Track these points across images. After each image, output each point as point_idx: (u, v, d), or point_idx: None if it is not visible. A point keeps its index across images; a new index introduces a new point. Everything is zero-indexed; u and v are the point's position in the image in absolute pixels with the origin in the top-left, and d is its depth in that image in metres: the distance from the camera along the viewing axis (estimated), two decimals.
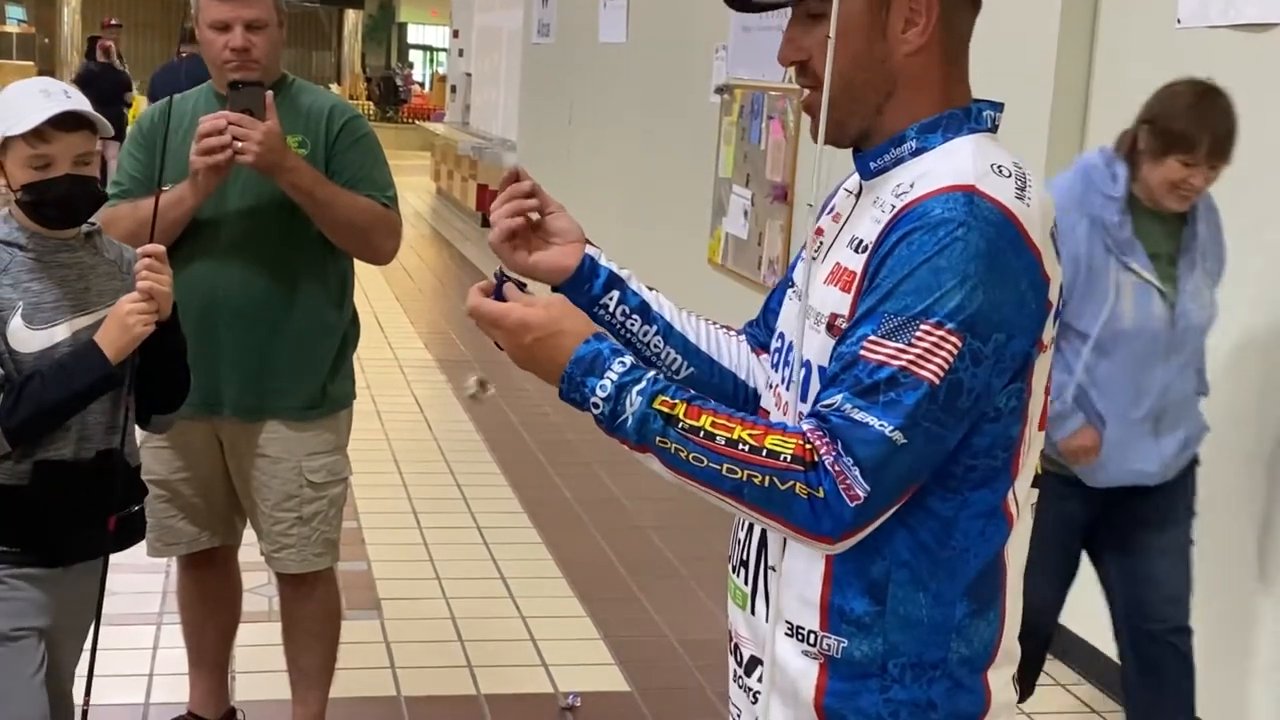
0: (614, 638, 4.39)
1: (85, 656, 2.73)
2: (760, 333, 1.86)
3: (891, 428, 1.44)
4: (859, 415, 1.45)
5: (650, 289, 1.83)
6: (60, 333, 2.54)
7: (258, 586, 4.16)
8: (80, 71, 14.82)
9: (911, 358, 1.44)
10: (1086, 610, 4.31)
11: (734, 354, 1.84)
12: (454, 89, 20.36)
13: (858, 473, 1.44)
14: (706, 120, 7.05)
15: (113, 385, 2.55)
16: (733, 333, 1.87)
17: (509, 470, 6.13)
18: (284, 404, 3.20)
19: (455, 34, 20.50)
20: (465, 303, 1.64)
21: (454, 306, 10.38)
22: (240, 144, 2.94)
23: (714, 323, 1.86)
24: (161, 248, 2.59)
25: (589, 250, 1.81)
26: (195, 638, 3.51)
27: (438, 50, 33.51)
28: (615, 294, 1.79)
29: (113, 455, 2.61)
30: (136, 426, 2.73)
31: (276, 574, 3.39)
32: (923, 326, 1.45)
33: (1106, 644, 4.19)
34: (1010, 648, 1.63)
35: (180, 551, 3.36)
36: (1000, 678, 1.62)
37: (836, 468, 1.44)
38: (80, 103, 2.52)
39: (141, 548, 3.27)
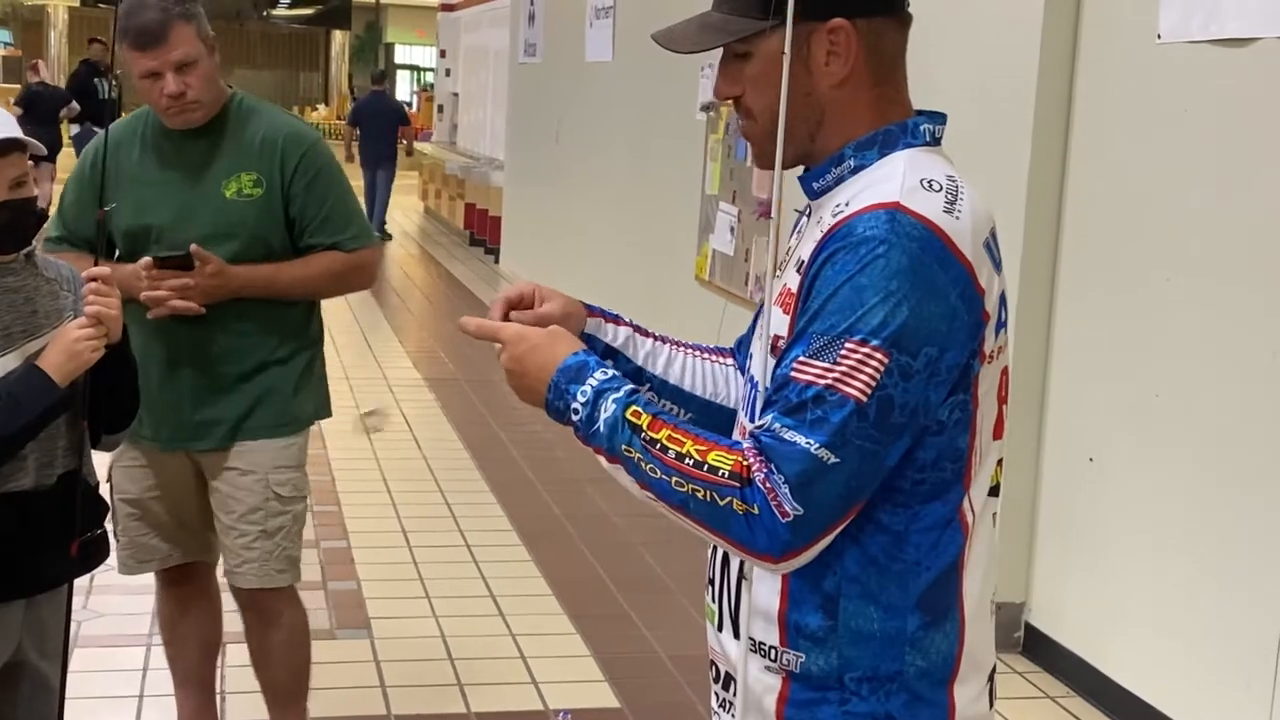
0: (604, 654, 4.39)
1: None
2: (745, 357, 1.88)
3: (818, 445, 1.46)
4: (787, 434, 1.48)
5: (653, 337, 1.85)
6: (12, 361, 2.47)
7: None
8: (23, 94, 14.77)
9: (836, 375, 1.47)
10: (1075, 622, 4.33)
11: (728, 389, 1.87)
12: (441, 108, 20.42)
13: (787, 490, 1.46)
14: (693, 137, 7.08)
15: (66, 409, 2.50)
16: (727, 361, 1.90)
17: (498, 488, 6.13)
18: (253, 424, 3.19)
19: (442, 54, 20.57)
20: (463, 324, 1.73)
21: (442, 325, 10.39)
22: (182, 304, 3.01)
23: (708, 356, 1.88)
24: (108, 270, 2.55)
25: (588, 327, 1.82)
26: (178, 657, 3.48)
27: (425, 70, 33.58)
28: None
29: (74, 477, 2.57)
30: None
31: (241, 604, 3.34)
32: (846, 345, 1.47)
33: (1095, 656, 4.21)
34: (977, 658, 1.64)
35: (154, 568, 3.33)
36: (966, 691, 1.62)
37: (767, 485, 1.47)
38: (7, 126, 2.45)
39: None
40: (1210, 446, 3.75)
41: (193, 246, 3.01)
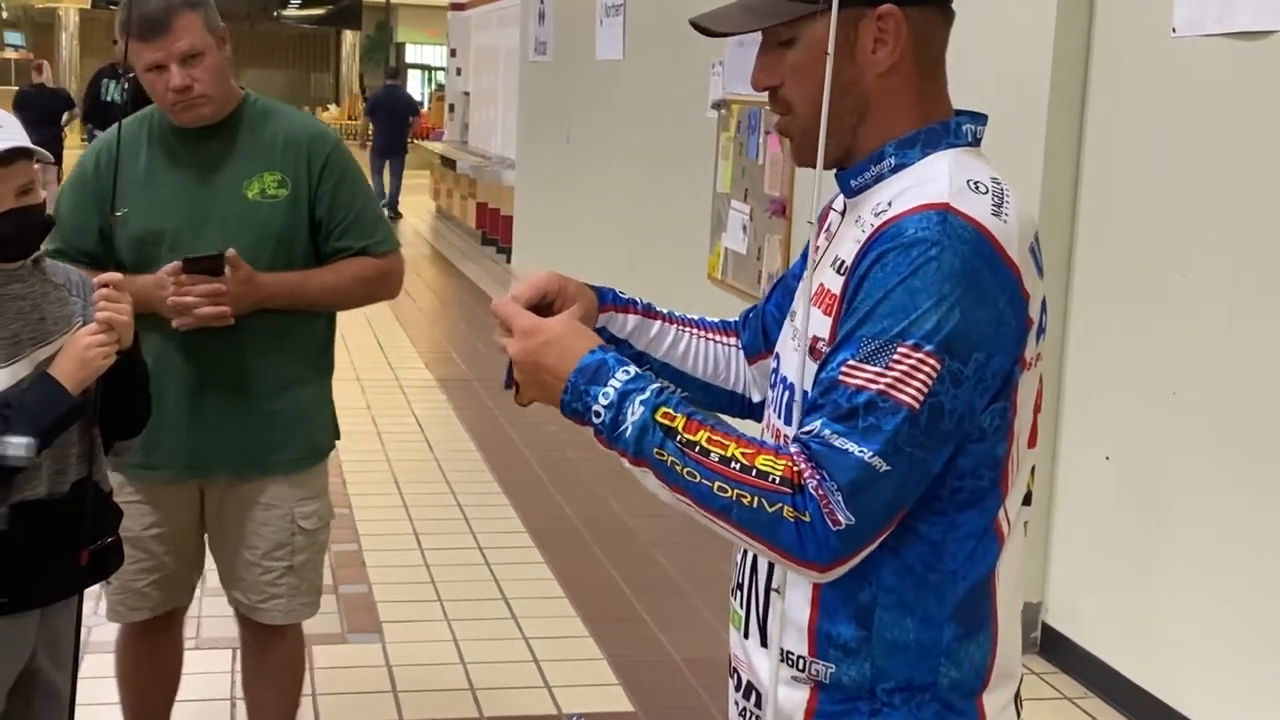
0: (617, 658, 4.36)
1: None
2: (756, 340, 1.87)
3: (871, 453, 1.41)
4: (838, 441, 1.42)
5: (660, 318, 1.84)
6: (22, 368, 2.44)
7: None
8: (16, 95, 14.86)
9: (890, 381, 1.42)
10: (1092, 622, 4.30)
11: (729, 369, 1.87)
12: (452, 108, 20.41)
13: (840, 499, 1.41)
14: (704, 136, 7.05)
15: (79, 416, 2.47)
16: (730, 341, 1.88)
17: (510, 490, 6.10)
18: (281, 458, 3.03)
19: (453, 53, 20.55)
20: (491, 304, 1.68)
21: (454, 325, 10.38)
22: (210, 310, 2.83)
23: (711, 335, 1.87)
24: (119, 275, 2.50)
25: (598, 321, 1.79)
26: (138, 703, 3.27)
27: (436, 69, 33.60)
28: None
29: (86, 484, 2.54)
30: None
31: (241, 623, 3.19)
32: (900, 349, 1.43)
33: (1112, 656, 4.18)
34: (1007, 668, 1.61)
35: (144, 616, 3.10)
36: (996, 701, 1.59)
37: (820, 492, 1.42)
38: (14, 133, 2.41)
39: None
40: (1228, 444, 3.71)
41: (229, 250, 2.81)
